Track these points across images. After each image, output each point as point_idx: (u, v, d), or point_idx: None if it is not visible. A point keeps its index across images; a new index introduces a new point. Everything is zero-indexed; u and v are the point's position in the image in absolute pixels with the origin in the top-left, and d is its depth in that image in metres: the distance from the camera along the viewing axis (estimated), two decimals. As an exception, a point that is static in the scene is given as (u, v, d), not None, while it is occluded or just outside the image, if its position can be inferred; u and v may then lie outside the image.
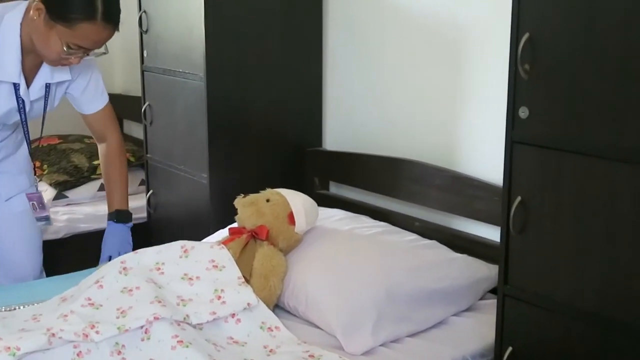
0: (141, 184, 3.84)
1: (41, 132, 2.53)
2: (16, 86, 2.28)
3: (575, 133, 1.73)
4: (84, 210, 3.63)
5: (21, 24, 2.22)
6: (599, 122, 1.69)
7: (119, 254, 2.44)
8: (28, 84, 2.32)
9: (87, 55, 2.22)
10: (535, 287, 1.85)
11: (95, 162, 3.83)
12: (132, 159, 3.90)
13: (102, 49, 2.23)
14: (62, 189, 3.68)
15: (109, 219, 2.57)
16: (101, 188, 3.78)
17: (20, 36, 2.22)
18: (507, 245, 1.88)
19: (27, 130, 2.45)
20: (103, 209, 3.67)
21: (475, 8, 2.56)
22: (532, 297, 1.86)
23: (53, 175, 3.71)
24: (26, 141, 2.52)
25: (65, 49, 2.14)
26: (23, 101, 2.32)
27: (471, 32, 2.58)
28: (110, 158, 2.59)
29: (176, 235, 2.54)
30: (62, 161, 3.83)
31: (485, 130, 2.56)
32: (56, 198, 3.64)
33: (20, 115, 2.35)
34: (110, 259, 2.46)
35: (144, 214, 3.50)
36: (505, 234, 1.88)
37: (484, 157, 2.57)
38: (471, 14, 2.58)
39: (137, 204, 3.39)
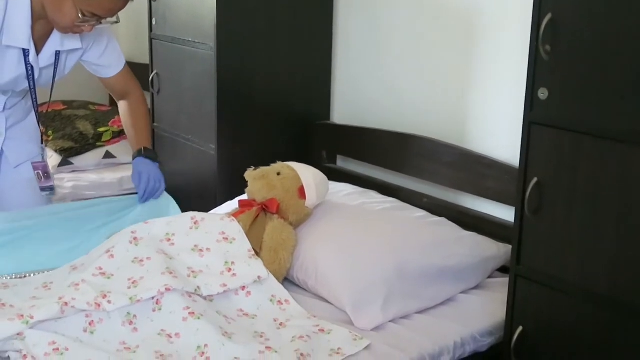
0: (146, 152, 3.83)
1: (49, 99, 2.52)
2: (25, 52, 2.27)
3: (593, 116, 1.74)
4: (89, 177, 3.63)
5: None
6: (618, 105, 1.69)
7: (155, 187, 2.47)
8: (38, 51, 2.31)
9: (100, 23, 2.20)
10: (547, 268, 1.87)
11: (101, 129, 3.83)
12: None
13: (113, 18, 2.22)
14: (67, 155, 3.68)
15: (136, 156, 2.51)
16: (106, 155, 3.79)
17: (31, 2, 2.21)
18: (521, 225, 1.89)
19: (36, 98, 2.44)
20: (108, 176, 3.71)
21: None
22: (543, 278, 1.88)
23: (58, 141, 3.70)
24: (34, 109, 2.50)
25: (80, 16, 2.13)
26: (32, 68, 2.30)
27: (487, 7, 2.57)
28: (135, 106, 2.58)
29: (183, 206, 2.54)
30: (67, 127, 3.83)
31: (498, 109, 2.56)
32: (61, 164, 3.64)
33: (29, 82, 2.34)
34: (144, 193, 2.46)
35: (150, 184, 3.49)
36: (519, 214, 1.89)
37: (495, 135, 2.57)
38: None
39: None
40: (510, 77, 2.46)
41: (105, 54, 2.46)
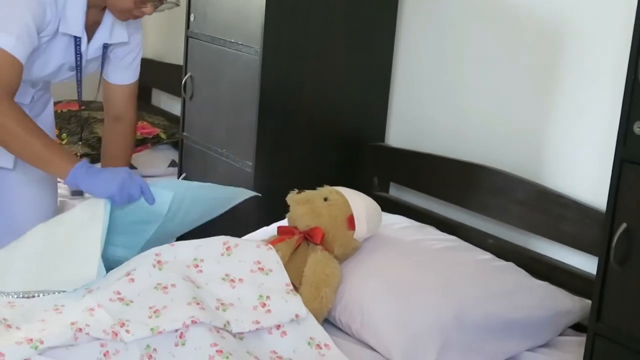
0: (171, 164, 3.91)
1: (95, 97, 2.68)
2: (77, 41, 2.38)
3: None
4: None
5: None
6: None
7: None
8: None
9: (161, 3, 2.29)
10: (634, 328, 1.87)
11: (122, 136, 3.91)
12: (163, 135, 3.97)
13: (175, 0, 2.33)
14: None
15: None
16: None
17: None
18: (605, 277, 1.90)
19: (81, 90, 2.56)
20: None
21: (582, -1, 2.57)
22: (628, 340, 1.87)
23: (73, 146, 3.78)
24: (78, 91, 2.60)
25: None
26: (81, 57, 2.41)
27: (574, 28, 2.59)
28: (124, 136, 2.66)
29: (209, 229, 2.58)
30: (83, 131, 3.90)
31: (582, 141, 2.57)
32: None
33: (77, 74, 2.46)
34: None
35: (173, 200, 3.54)
36: (603, 264, 1.90)
37: (576, 171, 2.58)
38: (577, 3, 2.58)
39: (166, 188, 3.44)
40: (600, 106, 2.48)
41: (129, 56, 2.57)
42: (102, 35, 2.45)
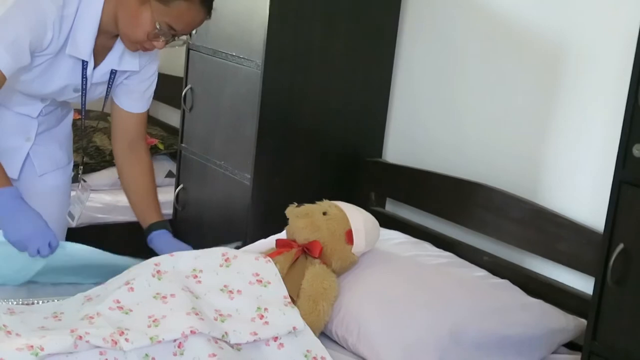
0: (168, 175, 3.92)
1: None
2: (84, 64, 2.39)
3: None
4: (102, 198, 3.71)
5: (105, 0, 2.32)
6: None
7: None
8: (94, 66, 2.44)
9: (174, 39, 2.31)
10: (630, 348, 1.89)
11: (120, 146, 3.92)
12: (160, 146, 3.98)
13: (184, 37, 2.34)
14: (79, 172, 3.75)
15: (159, 228, 2.58)
16: (123, 176, 3.86)
17: (102, 13, 2.32)
18: (601, 296, 1.92)
19: (84, 114, 2.58)
20: (124, 199, 3.74)
21: (583, 18, 2.59)
22: (623, 359, 1.90)
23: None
24: (82, 114, 2.61)
25: (158, 26, 2.23)
26: (86, 81, 2.43)
27: (574, 49, 2.62)
28: (147, 170, 2.66)
29: (206, 240, 2.60)
30: (81, 140, 3.90)
31: (580, 162, 2.60)
32: (73, 181, 3.70)
33: (82, 96, 2.47)
34: None
35: (170, 211, 3.56)
36: (599, 284, 1.92)
37: (573, 191, 2.60)
38: (578, 25, 2.61)
39: (162, 199, 3.42)
40: (599, 127, 2.50)
41: (144, 84, 2.58)
42: (111, 61, 2.45)
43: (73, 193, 2.82)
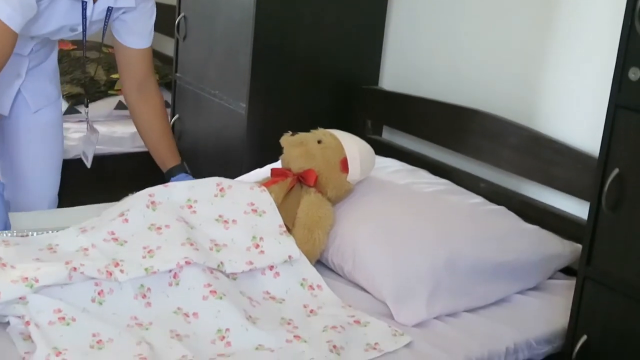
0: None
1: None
2: (84, 5, 2.39)
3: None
4: (98, 129, 3.67)
5: None
6: None
7: None
8: None
9: None
10: (623, 272, 1.89)
11: (114, 76, 3.89)
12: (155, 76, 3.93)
13: None
14: (75, 102, 3.74)
15: (178, 172, 2.60)
16: (119, 106, 3.84)
17: None
18: (596, 221, 1.92)
19: (85, 52, 2.66)
20: (120, 130, 3.78)
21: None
22: (617, 283, 1.90)
23: (66, 86, 3.76)
24: (84, 54, 2.68)
25: None
26: (86, 21, 2.42)
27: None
28: (158, 111, 2.66)
29: (202, 170, 2.59)
30: (76, 70, 3.88)
31: (576, 87, 2.57)
32: (68, 112, 3.69)
33: (84, 35, 2.47)
34: None
35: (166, 141, 3.54)
36: (594, 209, 1.92)
37: (570, 117, 2.58)
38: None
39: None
40: (596, 52, 2.47)
41: (143, 20, 2.56)
42: None
43: (82, 135, 2.83)
